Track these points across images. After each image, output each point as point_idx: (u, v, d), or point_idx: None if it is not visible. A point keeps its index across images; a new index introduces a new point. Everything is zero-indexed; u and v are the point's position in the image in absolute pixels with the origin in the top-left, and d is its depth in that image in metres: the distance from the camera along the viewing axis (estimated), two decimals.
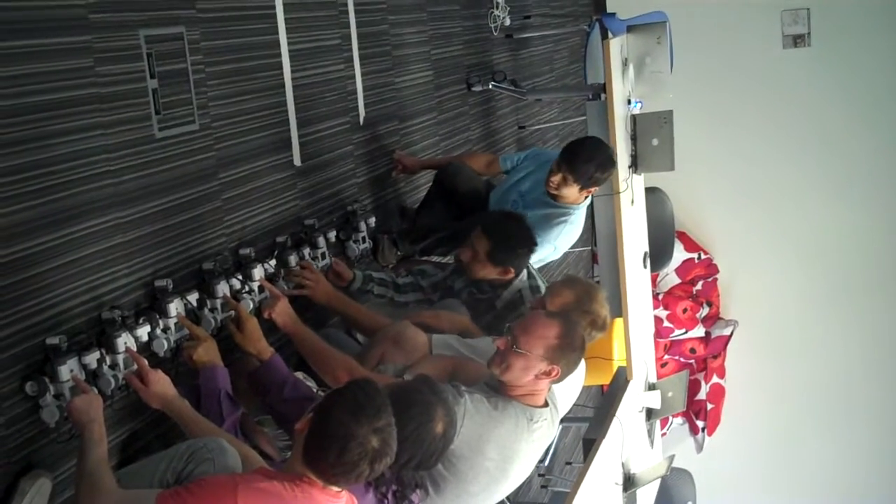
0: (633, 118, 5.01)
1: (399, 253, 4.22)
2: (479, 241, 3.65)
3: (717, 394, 8.97)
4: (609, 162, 4.24)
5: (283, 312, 3.14)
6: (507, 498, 3.90)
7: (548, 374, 2.93)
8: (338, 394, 2.24)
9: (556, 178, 4.15)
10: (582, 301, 3.32)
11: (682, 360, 8.80)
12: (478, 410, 2.87)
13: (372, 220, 4.02)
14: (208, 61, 3.14)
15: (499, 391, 2.98)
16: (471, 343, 3.33)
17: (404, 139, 4.63)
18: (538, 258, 4.16)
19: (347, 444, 2.14)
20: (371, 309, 3.60)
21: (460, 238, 4.10)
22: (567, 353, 2.95)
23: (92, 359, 2.51)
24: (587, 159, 4.14)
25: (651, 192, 5.85)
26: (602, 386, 4.82)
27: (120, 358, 2.58)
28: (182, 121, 3.01)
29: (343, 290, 3.64)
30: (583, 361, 3.35)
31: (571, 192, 4.19)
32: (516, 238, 3.71)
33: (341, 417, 2.15)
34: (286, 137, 3.60)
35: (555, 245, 4.26)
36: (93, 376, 2.53)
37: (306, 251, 3.56)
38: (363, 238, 3.95)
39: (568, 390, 3.42)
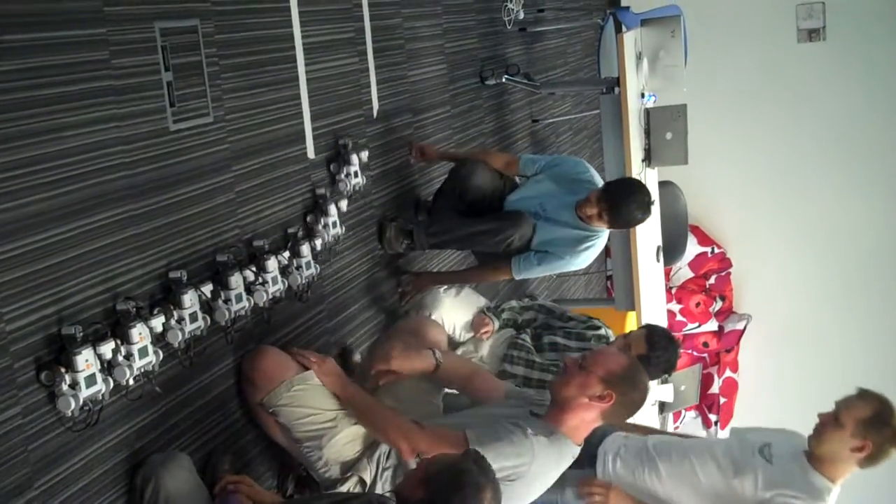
0: (647, 112, 5.01)
1: (407, 243, 4.22)
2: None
3: (730, 388, 8.96)
4: (646, 208, 4.13)
5: (330, 372, 3.06)
6: None
7: (601, 398, 2.86)
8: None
9: (592, 211, 4.07)
10: (883, 415, 3.33)
11: (695, 353, 8.79)
12: (546, 455, 2.82)
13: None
14: (223, 54, 3.15)
15: (547, 421, 2.90)
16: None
17: (418, 132, 4.63)
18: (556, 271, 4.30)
19: None
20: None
21: (473, 240, 4.14)
22: (626, 386, 2.88)
23: (107, 349, 2.52)
24: (629, 206, 4.07)
25: (664, 185, 5.86)
26: None
27: (135, 348, 2.60)
28: (196, 113, 3.02)
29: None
30: None
31: (600, 224, 4.14)
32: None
33: None
34: (300, 130, 3.61)
35: (576, 264, 4.24)
36: (108, 366, 2.54)
37: (318, 242, 3.57)
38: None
39: None
